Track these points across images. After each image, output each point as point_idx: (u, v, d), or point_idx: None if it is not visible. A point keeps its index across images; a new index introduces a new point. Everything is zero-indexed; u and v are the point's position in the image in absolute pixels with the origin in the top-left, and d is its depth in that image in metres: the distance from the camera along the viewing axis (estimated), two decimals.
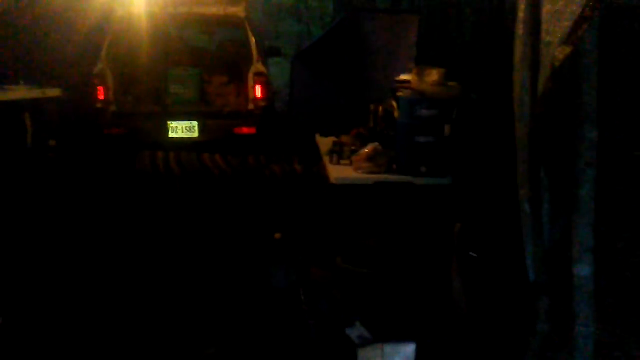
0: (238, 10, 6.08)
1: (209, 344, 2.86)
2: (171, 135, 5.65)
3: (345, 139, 4.14)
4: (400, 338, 2.37)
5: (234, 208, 4.39)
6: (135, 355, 2.73)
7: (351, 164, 3.68)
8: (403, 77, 3.96)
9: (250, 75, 5.77)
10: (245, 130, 5.71)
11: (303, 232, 3.82)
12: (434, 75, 3.68)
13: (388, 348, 2.30)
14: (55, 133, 5.61)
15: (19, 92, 5.32)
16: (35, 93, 5.36)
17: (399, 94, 3.65)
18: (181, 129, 5.65)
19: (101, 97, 5.63)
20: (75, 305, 3.13)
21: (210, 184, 4.84)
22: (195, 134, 5.69)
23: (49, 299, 3.21)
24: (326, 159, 3.95)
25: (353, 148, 3.88)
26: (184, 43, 7.12)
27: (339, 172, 3.64)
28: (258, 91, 5.74)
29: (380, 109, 4.20)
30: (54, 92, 5.48)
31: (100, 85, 5.62)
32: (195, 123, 5.68)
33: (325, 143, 4.34)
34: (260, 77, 5.76)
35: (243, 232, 4.02)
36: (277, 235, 3.85)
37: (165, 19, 6.18)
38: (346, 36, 6.32)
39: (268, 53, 6.95)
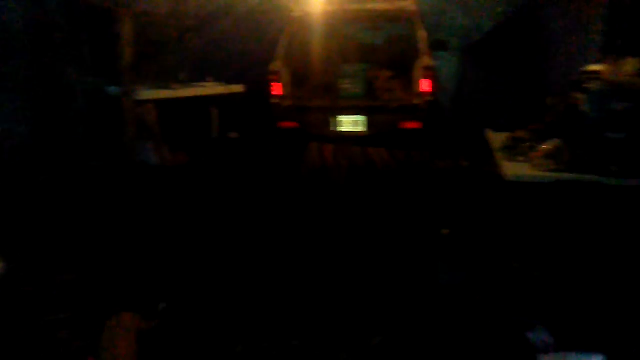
0: (408, 5, 6.08)
1: (375, 333, 2.91)
2: (339, 128, 5.85)
3: (521, 134, 3.92)
4: (585, 347, 2.19)
5: (399, 202, 4.41)
6: (306, 340, 2.88)
7: (528, 160, 3.49)
8: (591, 67, 3.63)
9: (417, 69, 5.74)
10: (410, 124, 5.69)
11: (473, 230, 3.70)
12: (628, 66, 3.34)
13: (572, 357, 2.14)
14: (236, 126, 6.13)
15: (208, 89, 5.92)
16: (221, 89, 5.92)
17: (588, 85, 3.35)
18: (348, 123, 5.82)
19: (276, 92, 6.02)
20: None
21: (376, 177, 4.91)
22: (362, 128, 5.81)
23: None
24: (500, 155, 3.78)
25: (530, 144, 3.66)
26: (353, 39, 7.30)
27: (515, 169, 3.45)
28: (425, 85, 5.68)
29: (561, 102, 3.90)
30: (237, 88, 6.00)
31: (275, 81, 6.02)
32: (362, 117, 5.81)
33: (497, 139, 4.16)
34: (428, 71, 5.69)
35: (409, 227, 4.02)
36: (445, 232, 3.79)
37: (337, 17, 6.40)
38: (522, 26, 5.98)
39: (434, 47, 6.85)
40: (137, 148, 5.06)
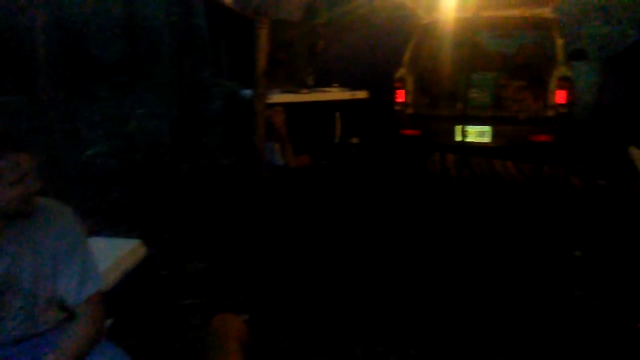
0: (545, 12, 5.78)
1: (496, 352, 2.81)
2: (463, 138, 5.69)
3: None
4: None
5: (527, 219, 4.20)
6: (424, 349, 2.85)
7: None
8: None
9: (553, 79, 5.42)
10: (541, 137, 5.40)
11: (608, 253, 3.43)
12: None
13: None
14: (359, 131, 6.21)
15: (334, 94, 6.07)
16: (346, 95, 6.04)
17: None
18: (474, 133, 5.65)
19: (400, 99, 6.01)
20: None
21: (501, 191, 4.72)
22: (487, 139, 5.62)
23: None
24: None
25: None
26: (483, 47, 7.08)
27: None
28: (560, 96, 5.36)
29: None
30: (362, 94, 6.08)
31: (400, 88, 6.01)
32: (487, 128, 5.62)
33: None
34: (565, 82, 5.36)
35: (537, 246, 3.82)
36: (577, 253, 3.55)
37: (468, 24, 6.24)
38: None
39: (571, 56, 6.43)
40: (265, 149, 5.29)
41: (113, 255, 2.71)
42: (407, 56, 6.10)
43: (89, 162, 6.89)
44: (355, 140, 6.32)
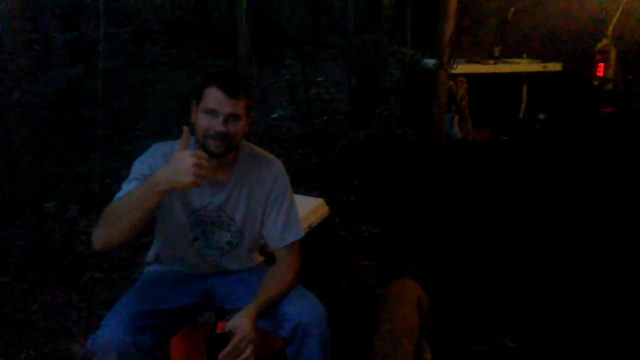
0: None
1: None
2: None
3: None
4: None
5: None
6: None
7: None
8: None
9: None
10: None
11: None
12: None
13: None
14: (547, 107, 5.76)
15: (522, 66, 5.67)
16: (536, 67, 5.60)
17: None
18: None
19: (600, 74, 5.40)
20: None
21: None
22: None
23: None
24: None
25: None
26: None
27: None
28: None
29: None
30: (554, 67, 5.58)
31: (601, 61, 5.40)
32: None
33: None
34: None
35: None
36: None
37: None
38: None
39: None
40: (444, 120, 5.18)
41: (302, 209, 2.88)
42: (611, 26, 5.43)
43: (274, 124, 7.40)
44: (542, 116, 5.87)
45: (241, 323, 1.63)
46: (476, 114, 5.69)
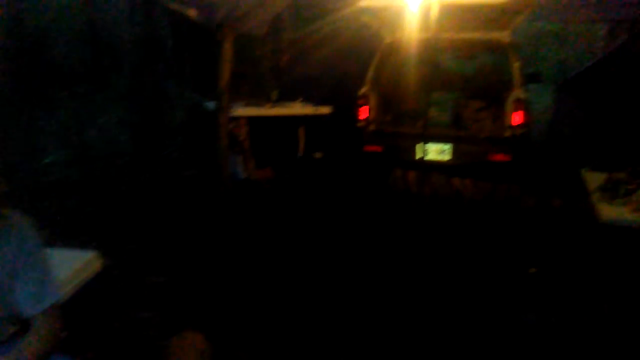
0: (502, 36, 5.99)
1: None
2: (424, 156, 5.80)
3: (620, 175, 3.73)
4: None
5: (484, 236, 4.32)
6: None
7: (628, 203, 3.30)
8: None
9: (510, 101, 5.60)
10: (499, 157, 5.56)
11: (562, 270, 3.56)
12: None
13: None
14: (322, 146, 6.26)
15: (297, 109, 6.11)
16: (309, 110, 6.09)
17: None
18: (434, 151, 5.77)
19: (363, 116, 6.09)
20: None
21: (460, 208, 4.83)
22: (447, 157, 5.75)
23: None
24: (596, 197, 3.61)
25: (630, 186, 3.48)
26: (443, 67, 7.25)
27: (612, 212, 3.28)
28: (517, 118, 5.54)
29: None
30: (325, 110, 6.14)
31: (363, 105, 6.09)
32: (448, 146, 5.74)
33: (593, 179, 3.97)
34: (520, 104, 5.55)
35: (493, 262, 3.92)
36: (532, 270, 3.67)
37: (429, 45, 6.40)
38: (624, 60, 5.71)
39: (527, 79, 6.68)
40: (227, 161, 5.28)
41: (69, 267, 2.64)
42: (370, 74, 6.19)
43: (47, 170, 6.69)
44: (318, 155, 6.37)
45: None
46: (260, 154, 5.94)
